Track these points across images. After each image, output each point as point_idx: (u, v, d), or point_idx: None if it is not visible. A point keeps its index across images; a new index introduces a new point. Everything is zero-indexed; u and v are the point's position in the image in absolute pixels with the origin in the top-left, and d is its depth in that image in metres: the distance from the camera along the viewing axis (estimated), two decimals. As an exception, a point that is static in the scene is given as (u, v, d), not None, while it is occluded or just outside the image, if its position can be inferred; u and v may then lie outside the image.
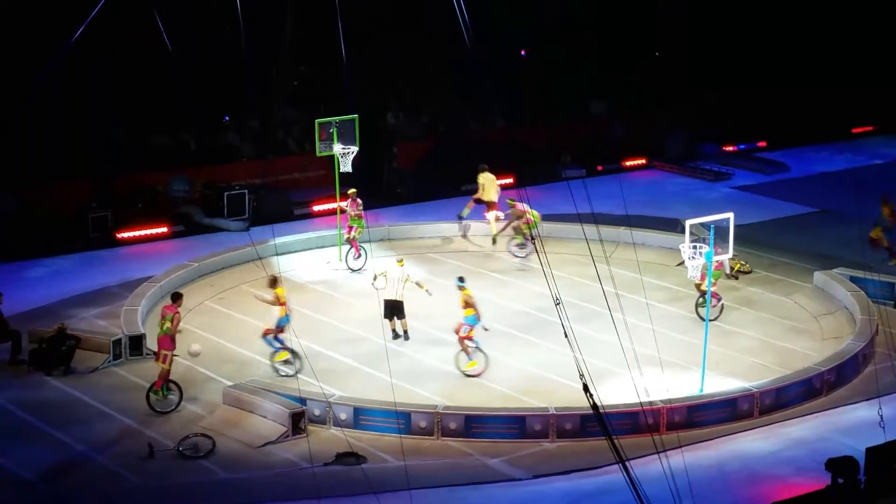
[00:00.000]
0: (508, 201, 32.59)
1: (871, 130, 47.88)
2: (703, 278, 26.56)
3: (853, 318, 28.61)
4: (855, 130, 47.60)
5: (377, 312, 27.38)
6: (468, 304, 26.18)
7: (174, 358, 24.52)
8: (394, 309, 27.39)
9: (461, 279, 26.98)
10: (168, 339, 24.41)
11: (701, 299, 28.06)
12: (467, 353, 26.13)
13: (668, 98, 44.45)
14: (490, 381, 26.10)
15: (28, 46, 34.91)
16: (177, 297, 25.11)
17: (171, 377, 24.55)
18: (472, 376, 26.04)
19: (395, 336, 27.46)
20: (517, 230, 32.36)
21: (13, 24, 35.68)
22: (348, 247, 31.88)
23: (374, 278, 27.55)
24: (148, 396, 24.50)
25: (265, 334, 25.89)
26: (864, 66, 46.24)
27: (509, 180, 39.37)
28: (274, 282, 26.23)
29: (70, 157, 36.09)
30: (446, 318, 28.13)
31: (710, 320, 27.00)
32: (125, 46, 36.75)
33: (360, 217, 31.61)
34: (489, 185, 34.13)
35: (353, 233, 31.63)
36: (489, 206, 34.06)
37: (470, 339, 26.07)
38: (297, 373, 25.05)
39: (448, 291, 30.25)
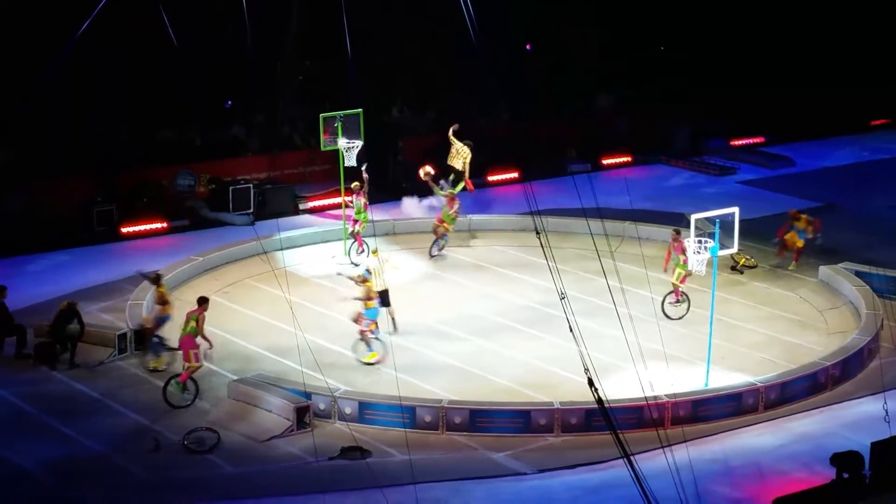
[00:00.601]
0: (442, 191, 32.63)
1: (878, 125, 47.79)
2: (678, 276, 27.07)
3: (858, 312, 28.61)
4: (862, 125, 47.52)
5: (382, 307, 27.40)
6: (370, 298, 26.30)
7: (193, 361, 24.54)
8: (382, 298, 27.38)
9: (368, 272, 27.15)
10: (191, 339, 24.46)
11: (671, 296, 28.03)
12: (368, 345, 26.26)
13: (673, 93, 44.37)
14: (495, 375, 26.12)
15: (33, 42, 34.94)
16: (203, 301, 25.16)
17: (194, 376, 24.63)
18: (371, 364, 26.03)
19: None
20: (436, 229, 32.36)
21: (18, 20, 35.71)
22: (352, 240, 31.88)
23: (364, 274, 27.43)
24: (166, 385, 24.56)
25: (149, 333, 25.86)
26: (869, 61, 46.19)
27: (514, 174, 39.48)
28: (156, 279, 26.22)
29: (75, 152, 36.11)
30: (452, 312, 28.21)
31: (677, 318, 27.10)
32: (130, 42, 36.75)
33: (363, 210, 31.58)
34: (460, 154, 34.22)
35: (357, 227, 31.63)
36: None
37: (371, 331, 26.27)
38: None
39: (456, 286, 30.39)
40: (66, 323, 26.26)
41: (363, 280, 26.70)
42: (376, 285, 26.98)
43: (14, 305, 27.03)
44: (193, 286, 30.23)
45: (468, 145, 34.26)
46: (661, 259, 32.08)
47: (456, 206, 32.36)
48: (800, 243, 31.79)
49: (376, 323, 26.36)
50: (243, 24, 35.75)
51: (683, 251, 27.21)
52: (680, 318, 28.08)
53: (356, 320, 26.19)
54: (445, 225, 32.20)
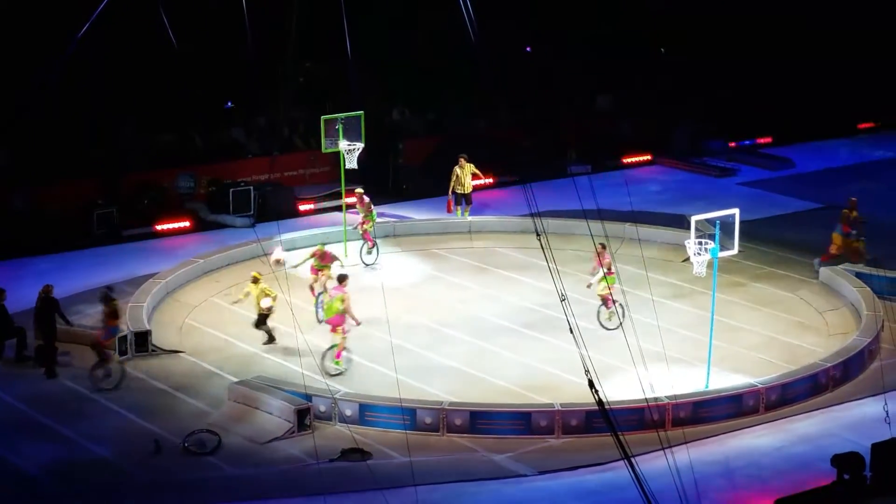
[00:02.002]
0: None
1: (876, 126, 47.81)
2: (603, 288, 27.34)
3: (859, 313, 28.60)
4: (860, 126, 47.51)
5: (382, 309, 27.39)
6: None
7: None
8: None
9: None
10: (341, 317, 25.53)
11: (603, 308, 27.95)
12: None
13: (673, 94, 44.38)
14: (496, 377, 26.11)
15: (34, 44, 34.94)
16: (343, 279, 26.12)
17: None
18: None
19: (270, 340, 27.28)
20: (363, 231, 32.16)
21: (19, 22, 35.73)
22: (362, 241, 31.96)
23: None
24: (324, 357, 25.59)
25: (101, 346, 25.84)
26: (869, 61, 46.19)
27: (513, 177, 39.47)
28: (106, 297, 26.27)
29: (76, 154, 36.13)
30: (453, 313, 28.26)
31: (611, 329, 27.06)
32: (131, 44, 36.77)
33: (370, 211, 31.84)
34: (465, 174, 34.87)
35: (366, 225, 31.79)
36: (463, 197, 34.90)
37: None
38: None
39: (456, 288, 30.37)
40: (50, 313, 26.17)
41: (254, 280, 27.21)
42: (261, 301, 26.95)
43: (14, 308, 27.02)
44: (194, 288, 30.26)
45: (465, 160, 34.86)
46: (662, 261, 32.15)
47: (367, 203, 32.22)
48: (856, 243, 31.52)
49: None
50: (243, 25, 35.72)
51: (609, 266, 27.31)
52: (616, 327, 27.53)
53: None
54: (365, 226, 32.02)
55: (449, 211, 35.10)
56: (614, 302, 27.59)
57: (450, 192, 34.99)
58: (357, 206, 32.15)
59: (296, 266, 29.10)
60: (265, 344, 27.06)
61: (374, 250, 32.02)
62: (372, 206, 32.08)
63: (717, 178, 41.62)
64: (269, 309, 26.95)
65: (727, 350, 27.10)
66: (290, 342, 26.03)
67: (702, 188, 40.16)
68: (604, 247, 27.55)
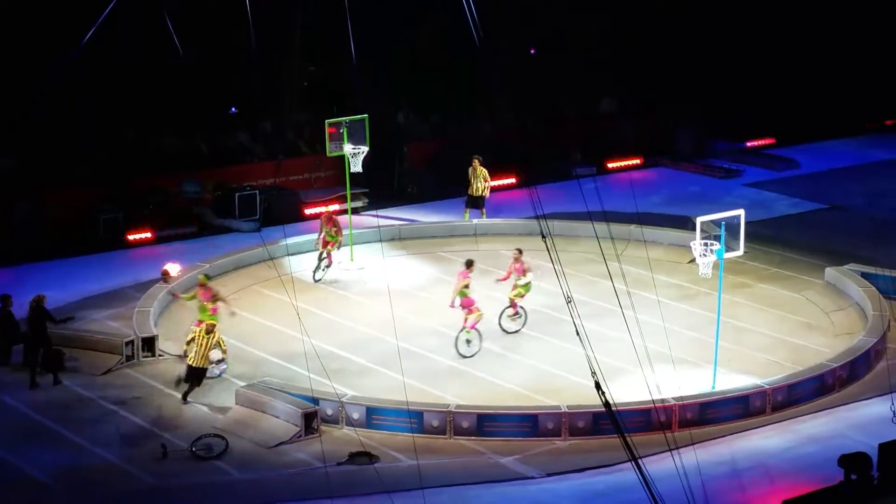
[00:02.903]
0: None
1: (884, 126, 47.77)
2: (517, 293, 27.77)
3: (865, 314, 28.58)
4: (867, 125, 47.48)
5: (389, 313, 27.41)
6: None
7: None
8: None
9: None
10: (470, 299, 26.94)
11: (510, 309, 28.04)
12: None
13: (678, 95, 44.37)
14: (502, 379, 26.13)
15: (39, 49, 35.00)
16: (470, 264, 27.30)
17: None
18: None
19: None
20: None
21: (24, 27, 35.78)
22: (320, 259, 31.40)
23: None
24: (457, 341, 26.84)
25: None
26: (875, 61, 46.18)
27: (519, 178, 39.51)
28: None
29: (81, 159, 36.17)
30: (459, 315, 28.21)
31: (513, 332, 27.10)
32: (136, 49, 36.81)
33: (339, 234, 31.29)
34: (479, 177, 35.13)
35: (329, 246, 31.28)
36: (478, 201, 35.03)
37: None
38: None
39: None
40: (42, 321, 26.22)
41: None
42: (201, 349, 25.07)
43: (21, 314, 27.03)
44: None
45: (480, 163, 35.13)
46: (667, 262, 32.15)
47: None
48: None
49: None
50: (248, 30, 35.75)
51: (525, 272, 27.69)
52: (516, 331, 28.11)
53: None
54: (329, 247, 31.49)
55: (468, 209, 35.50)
56: (521, 308, 27.86)
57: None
58: (324, 225, 31.39)
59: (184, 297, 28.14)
60: (182, 396, 25.00)
61: (327, 269, 31.52)
62: (342, 232, 31.43)
63: (722, 179, 41.60)
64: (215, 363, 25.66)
65: (734, 351, 27.10)
66: (296, 346, 26.03)
67: (707, 189, 40.15)
68: (521, 252, 27.71)
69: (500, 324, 28.30)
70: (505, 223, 34.96)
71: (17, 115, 34.54)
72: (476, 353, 27.08)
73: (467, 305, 27.20)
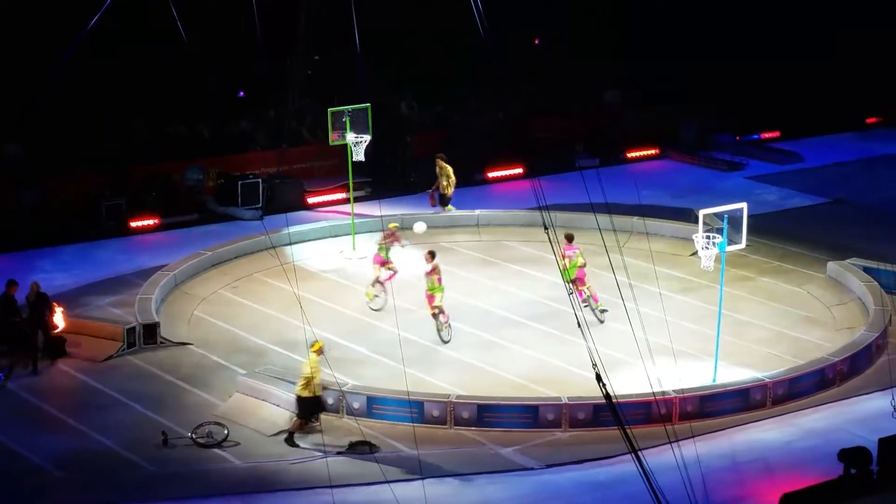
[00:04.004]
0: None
1: (885, 120, 47.72)
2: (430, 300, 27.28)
3: (866, 308, 28.59)
4: (869, 120, 47.44)
5: (390, 302, 27.45)
6: None
7: None
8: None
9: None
10: (581, 270, 27.71)
11: (441, 316, 27.46)
12: None
13: (682, 87, 44.32)
14: (503, 370, 26.14)
15: (43, 37, 34.99)
16: (571, 238, 28.21)
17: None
18: None
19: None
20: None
21: (31, 15, 35.76)
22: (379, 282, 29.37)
23: None
24: (594, 312, 27.38)
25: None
26: (877, 56, 46.11)
27: (520, 170, 39.49)
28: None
29: (85, 146, 36.18)
30: (460, 306, 28.27)
31: (446, 341, 27.04)
32: (141, 37, 36.80)
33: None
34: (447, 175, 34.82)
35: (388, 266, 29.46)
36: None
37: None
38: None
39: (464, 280, 30.40)
40: (42, 310, 26.25)
41: None
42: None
43: (23, 299, 27.03)
44: (203, 280, 30.28)
45: (444, 161, 34.85)
46: (669, 255, 32.13)
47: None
48: None
49: None
50: (252, 18, 35.75)
51: (439, 280, 27.34)
52: (448, 340, 27.27)
53: None
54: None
55: (432, 205, 35.07)
56: (442, 313, 27.31)
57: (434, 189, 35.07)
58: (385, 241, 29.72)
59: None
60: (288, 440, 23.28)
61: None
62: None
63: (725, 171, 41.58)
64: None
65: (734, 344, 27.11)
66: (297, 334, 26.06)
67: (709, 182, 40.13)
68: (433, 256, 27.52)
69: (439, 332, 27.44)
70: (507, 214, 34.93)
71: (22, 103, 34.54)
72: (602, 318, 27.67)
73: (580, 277, 27.82)
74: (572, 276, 27.47)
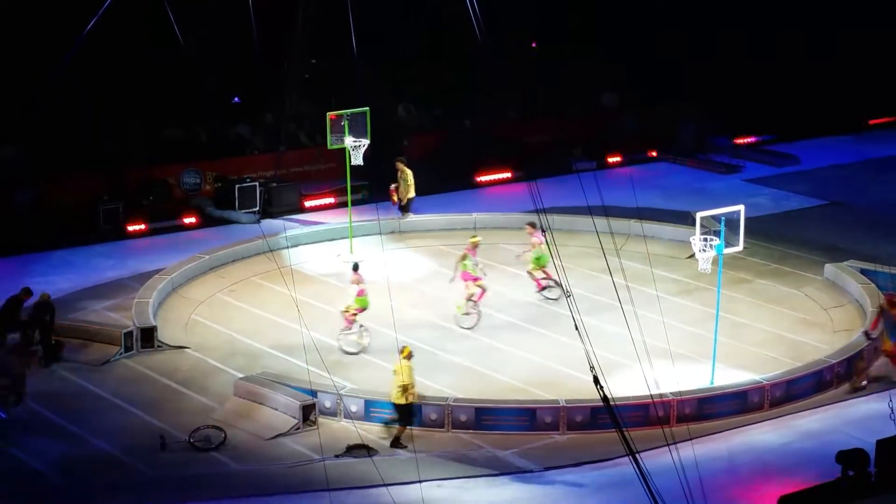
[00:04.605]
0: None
1: (884, 122, 47.77)
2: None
3: (864, 310, 28.59)
4: (870, 122, 47.49)
5: (387, 305, 27.41)
6: None
7: None
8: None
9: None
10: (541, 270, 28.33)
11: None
12: None
13: (679, 91, 44.34)
14: (501, 373, 26.14)
15: (41, 39, 35.00)
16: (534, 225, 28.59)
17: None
18: None
19: None
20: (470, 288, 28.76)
21: (27, 17, 35.77)
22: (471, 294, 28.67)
23: None
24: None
25: None
26: (874, 57, 46.15)
27: (518, 173, 39.47)
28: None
29: (82, 149, 36.18)
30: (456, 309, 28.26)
31: (352, 352, 26.92)
32: (138, 40, 36.82)
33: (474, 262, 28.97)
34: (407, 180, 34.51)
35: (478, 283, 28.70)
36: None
37: None
38: None
39: (458, 283, 30.29)
40: (43, 316, 26.24)
41: None
42: None
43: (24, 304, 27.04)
44: (199, 284, 30.29)
45: (404, 164, 34.68)
46: (667, 257, 32.13)
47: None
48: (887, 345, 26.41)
49: None
50: (249, 21, 35.75)
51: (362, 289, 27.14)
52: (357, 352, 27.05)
53: None
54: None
55: (394, 202, 34.76)
56: (353, 324, 27.14)
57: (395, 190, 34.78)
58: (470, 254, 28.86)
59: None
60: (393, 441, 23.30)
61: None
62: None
63: (722, 174, 41.60)
64: None
65: (732, 346, 27.11)
66: (295, 338, 26.06)
67: (707, 184, 40.14)
68: (356, 269, 27.47)
69: (339, 344, 27.21)
70: (504, 217, 34.94)
71: (20, 105, 34.55)
72: None
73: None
74: (545, 263, 28.01)
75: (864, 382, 25.37)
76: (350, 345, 27.00)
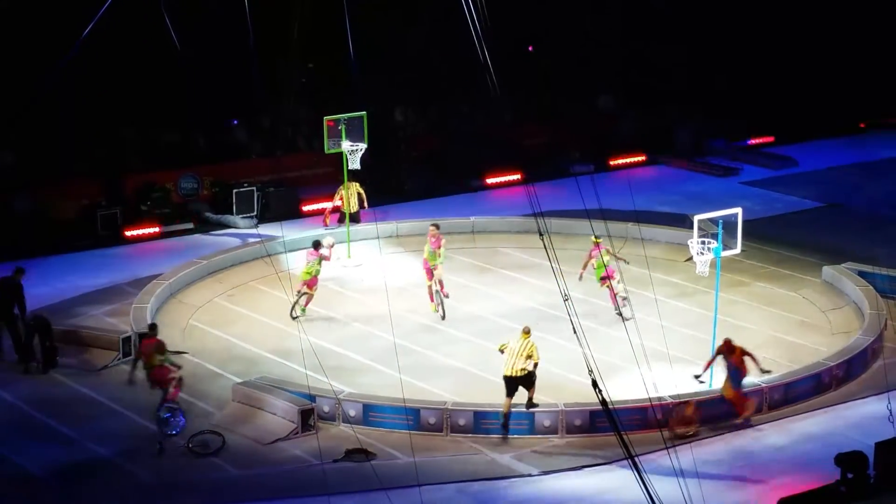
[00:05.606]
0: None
1: (879, 124, 47.78)
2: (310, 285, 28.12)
3: (862, 312, 28.59)
4: (862, 125, 47.50)
5: (385, 309, 27.42)
6: None
7: None
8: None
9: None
10: (611, 269, 28.06)
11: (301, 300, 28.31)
12: None
13: (676, 93, 44.37)
14: (499, 377, 26.06)
15: (38, 45, 34.97)
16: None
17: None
18: None
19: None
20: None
21: (23, 22, 35.76)
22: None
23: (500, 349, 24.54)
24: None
25: None
26: (873, 59, 46.18)
27: (517, 176, 39.48)
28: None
29: (80, 155, 36.17)
30: (455, 313, 28.24)
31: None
32: (134, 45, 36.79)
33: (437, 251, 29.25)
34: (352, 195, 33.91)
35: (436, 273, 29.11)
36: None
37: None
38: None
39: (459, 287, 30.35)
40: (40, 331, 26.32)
41: None
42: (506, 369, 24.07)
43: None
44: (197, 289, 30.27)
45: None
46: (665, 260, 32.14)
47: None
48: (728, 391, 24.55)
49: None
50: (246, 25, 35.59)
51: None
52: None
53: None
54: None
55: (325, 224, 34.45)
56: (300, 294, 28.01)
57: (330, 209, 34.54)
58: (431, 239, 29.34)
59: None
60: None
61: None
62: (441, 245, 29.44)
63: (720, 177, 41.61)
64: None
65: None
66: (293, 343, 26.05)
67: (705, 187, 40.16)
68: (309, 275, 27.61)
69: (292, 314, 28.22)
70: (502, 221, 34.94)
71: (16, 110, 34.51)
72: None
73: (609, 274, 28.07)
74: (601, 275, 28.22)
75: (691, 432, 23.60)
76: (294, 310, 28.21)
